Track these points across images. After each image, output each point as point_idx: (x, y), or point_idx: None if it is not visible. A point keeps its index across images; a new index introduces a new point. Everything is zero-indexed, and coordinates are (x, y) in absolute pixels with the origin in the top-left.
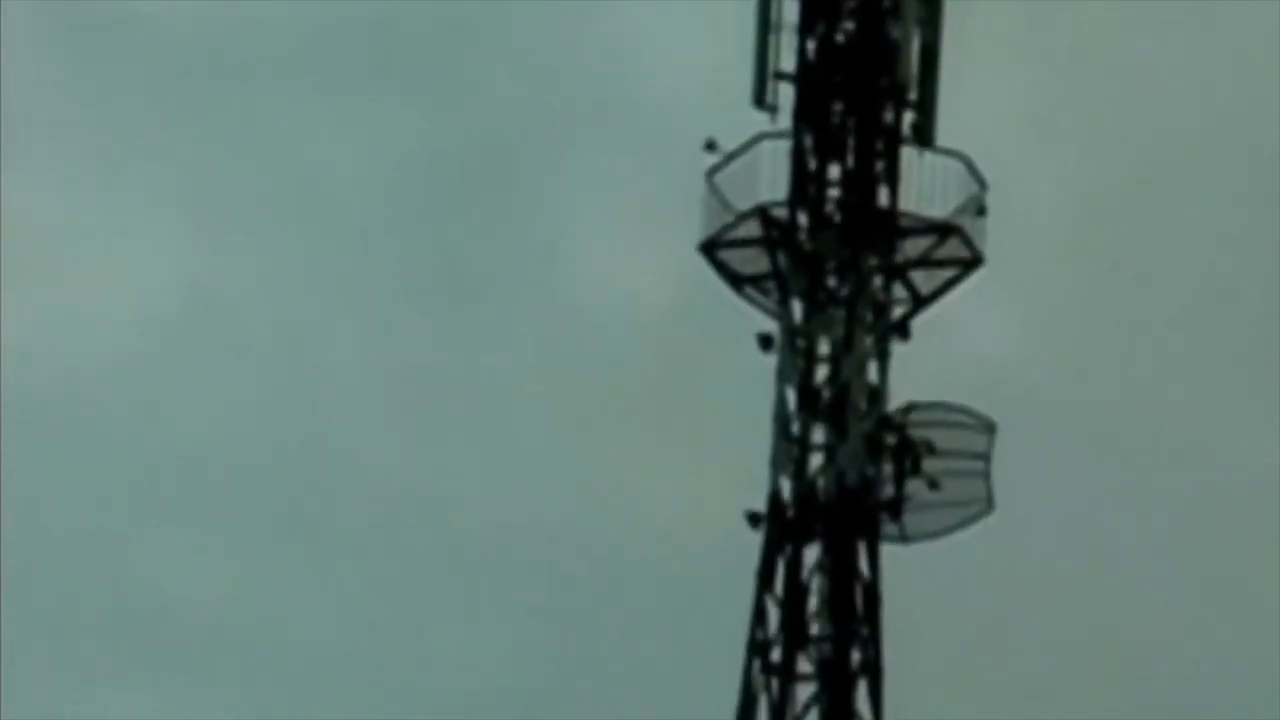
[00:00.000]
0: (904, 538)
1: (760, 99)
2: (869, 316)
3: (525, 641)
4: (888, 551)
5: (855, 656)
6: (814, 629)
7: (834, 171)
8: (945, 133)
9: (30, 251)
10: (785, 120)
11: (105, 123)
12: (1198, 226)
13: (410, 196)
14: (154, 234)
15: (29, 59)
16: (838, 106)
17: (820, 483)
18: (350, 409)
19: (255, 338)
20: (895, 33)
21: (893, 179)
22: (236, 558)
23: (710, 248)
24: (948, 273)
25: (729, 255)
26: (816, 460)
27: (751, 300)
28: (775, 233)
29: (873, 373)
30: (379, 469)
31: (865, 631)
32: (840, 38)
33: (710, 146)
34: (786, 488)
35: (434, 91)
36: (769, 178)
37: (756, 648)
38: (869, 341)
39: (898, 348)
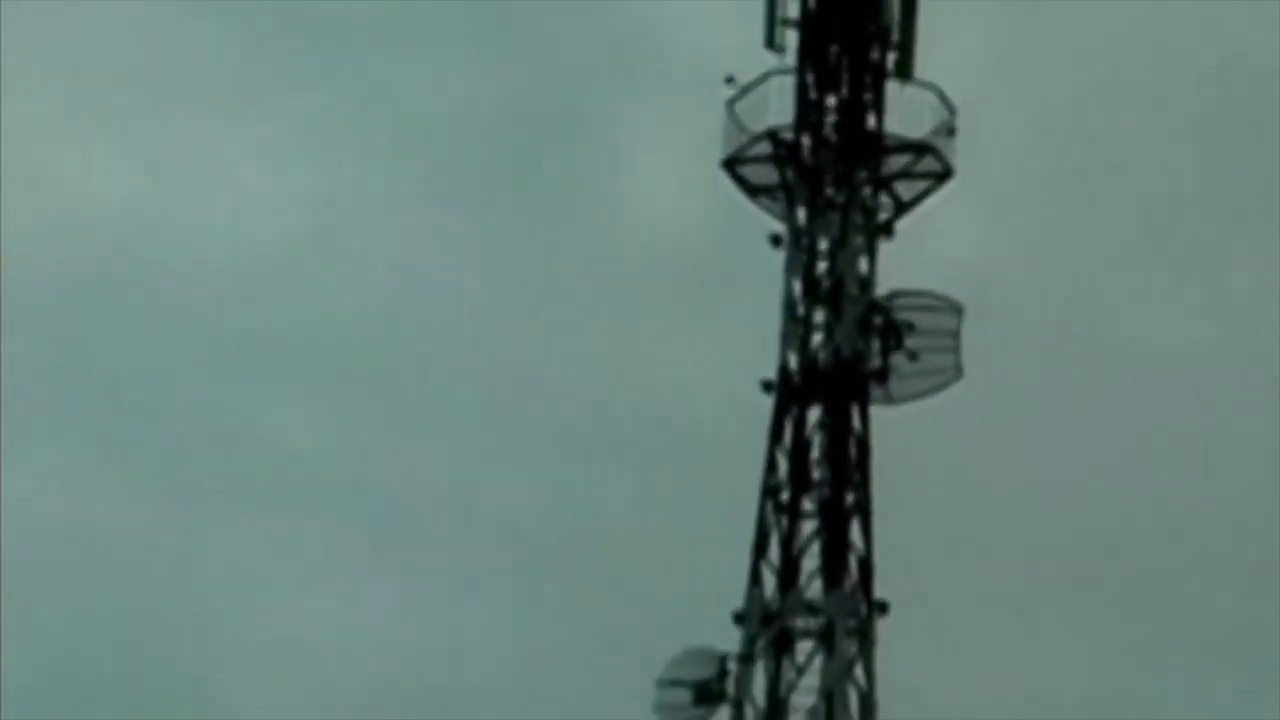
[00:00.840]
0: (889, 400)
1: (770, 42)
2: (860, 219)
3: (595, 481)
4: (876, 412)
5: (850, 498)
6: (815, 475)
7: (831, 101)
8: (922, 67)
9: (200, 167)
10: (791, 59)
11: (258, 73)
12: (1140, 142)
13: (495, 134)
14: (298, 160)
15: (190, 19)
16: (834, 48)
17: (820, 356)
18: (449, 301)
19: (372, 244)
20: None
21: (879, 107)
22: (351, 420)
23: (730, 164)
24: (924, 184)
25: (745, 170)
26: (817, 338)
27: (764, 207)
28: (783, 151)
29: (863, 265)
30: (469, 346)
31: (857, 478)
32: None
33: (729, 81)
34: (793, 360)
35: (513, 50)
36: (777, 107)
37: (769, 491)
38: (860, 240)
39: (884, 245)
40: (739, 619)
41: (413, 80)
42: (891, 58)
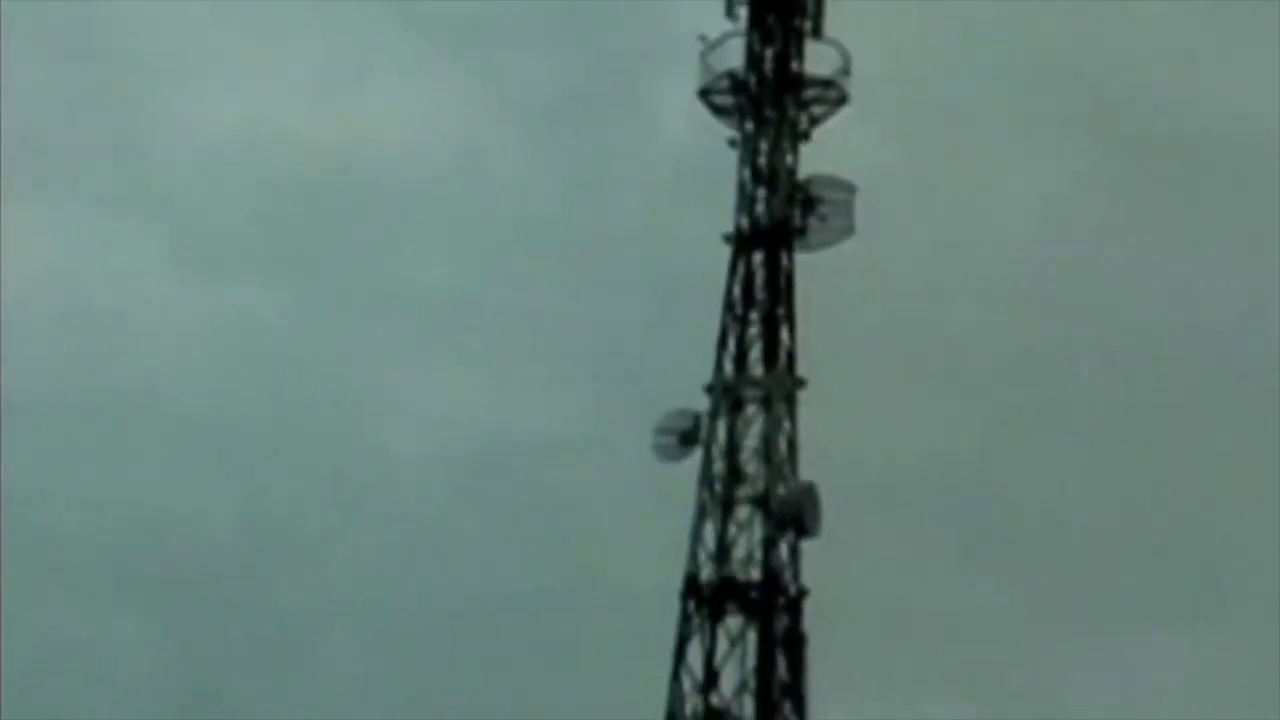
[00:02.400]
0: (807, 248)
1: (729, 12)
2: (787, 130)
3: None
4: (799, 257)
5: (780, 312)
6: (758, 297)
7: (769, 52)
8: (830, 29)
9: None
10: (743, 24)
11: None
12: (996, 83)
13: (558, 106)
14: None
15: None
16: (771, 16)
17: (761, 218)
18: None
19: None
20: None
21: (800, 56)
22: None
23: (704, 93)
24: (829, 107)
25: (713, 98)
26: (760, 207)
27: (725, 122)
28: (737, 85)
29: (789, 160)
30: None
31: (784, 306)
32: None
33: (701, 38)
34: (745, 222)
35: (564, 42)
36: (734, 55)
37: (729, 307)
38: (787, 143)
39: (803, 147)
40: (709, 390)
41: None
42: (809, 24)
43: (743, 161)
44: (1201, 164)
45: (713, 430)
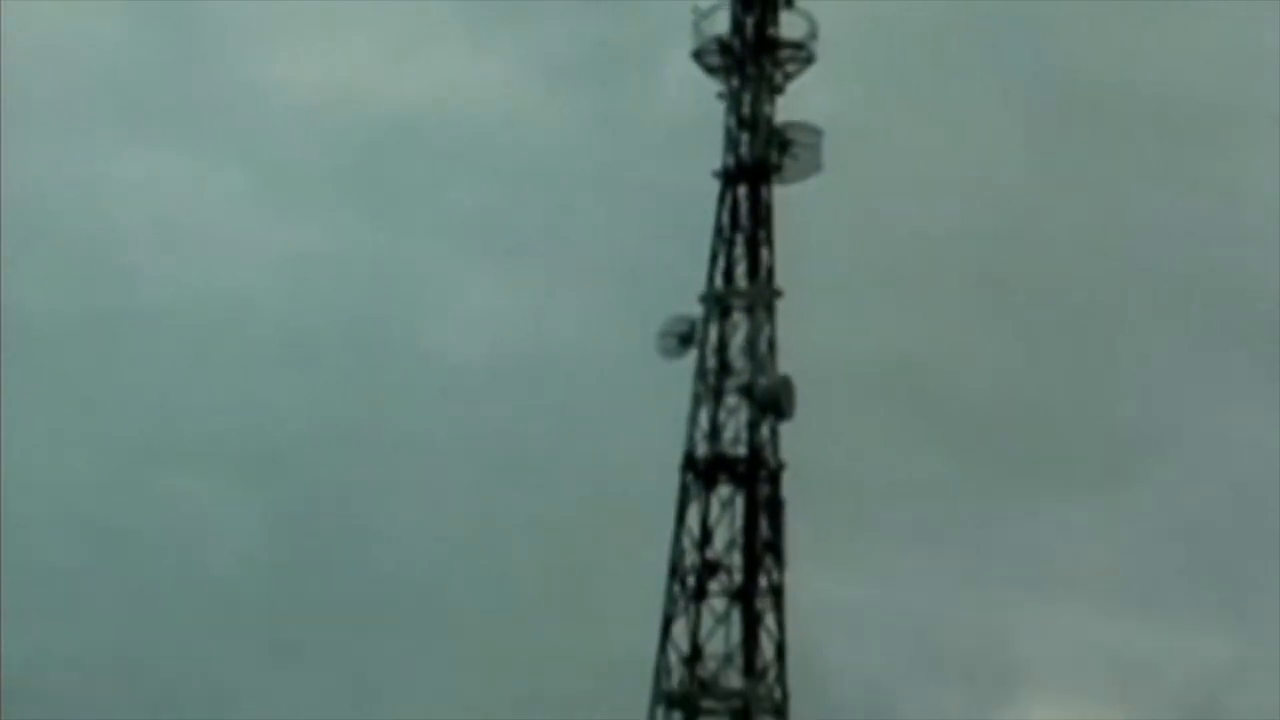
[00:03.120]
0: (782, 182)
1: None
2: (765, 85)
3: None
4: (777, 191)
5: (762, 234)
6: (743, 222)
7: (750, 20)
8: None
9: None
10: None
11: None
12: (940, 33)
13: (580, 64)
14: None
15: None
16: None
17: (744, 157)
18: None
19: None
20: None
21: (776, 23)
22: None
23: (697, 54)
24: (800, 66)
25: (705, 58)
26: (743, 148)
27: (714, 77)
28: (725, 47)
29: (768, 109)
30: None
31: (764, 233)
32: None
33: (695, 9)
34: (730, 160)
35: (587, 12)
36: (722, 23)
37: (719, 231)
38: (765, 95)
39: (780, 99)
40: (702, 299)
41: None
42: None
43: (729, 111)
44: (1113, 115)
45: (705, 332)
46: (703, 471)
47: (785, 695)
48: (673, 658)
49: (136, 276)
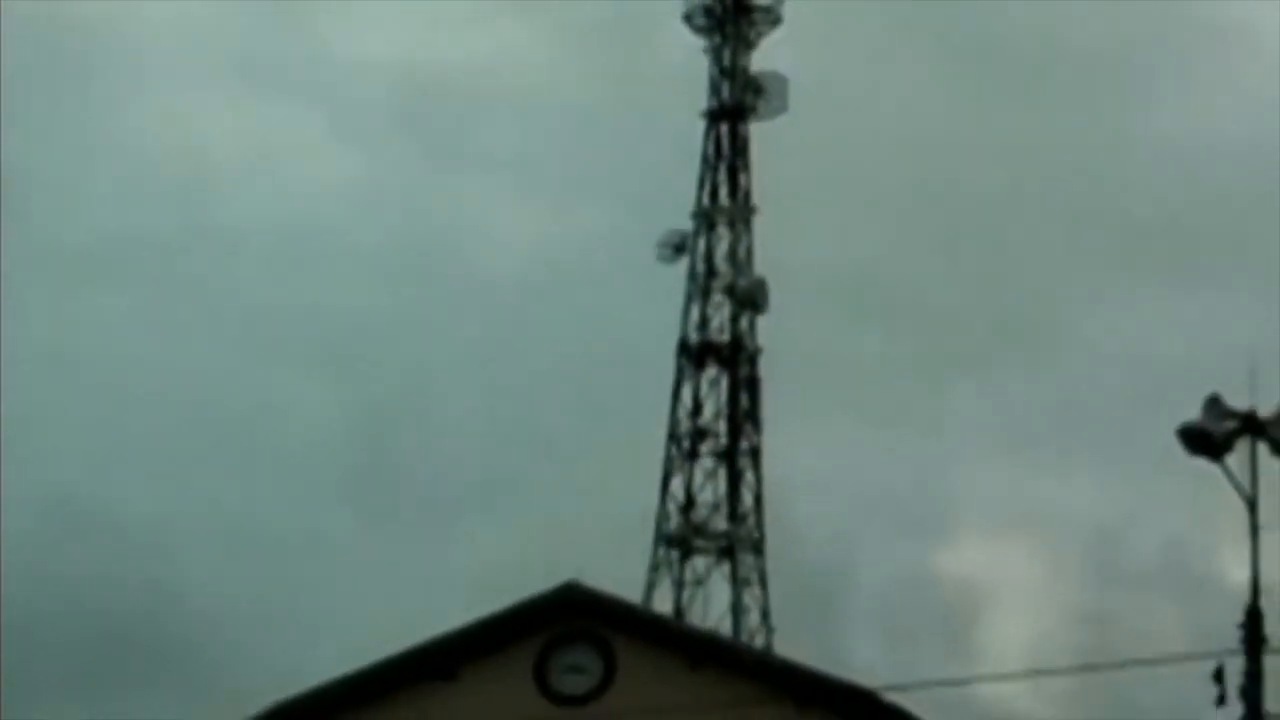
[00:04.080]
0: (758, 119)
1: None
2: (741, 41)
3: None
4: (753, 127)
5: (739, 162)
6: (726, 151)
7: None
8: None
9: None
10: None
11: None
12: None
13: (594, 26)
14: None
15: None
16: None
17: (726, 101)
18: None
19: None
20: None
21: None
22: None
23: (687, 17)
24: (770, 26)
25: (693, 20)
26: (724, 93)
27: (700, 36)
28: (708, 11)
29: (743, 61)
30: None
31: (741, 161)
32: None
33: None
34: (714, 103)
35: None
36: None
37: (705, 160)
38: (742, 50)
39: (754, 53)
40: (693, 215)
41: None
42: None
43: (712, 63)
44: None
45: (695, 243)
46: (694, 356)
47: (762, 536)
48: (671, 507)
49: (233, 200)
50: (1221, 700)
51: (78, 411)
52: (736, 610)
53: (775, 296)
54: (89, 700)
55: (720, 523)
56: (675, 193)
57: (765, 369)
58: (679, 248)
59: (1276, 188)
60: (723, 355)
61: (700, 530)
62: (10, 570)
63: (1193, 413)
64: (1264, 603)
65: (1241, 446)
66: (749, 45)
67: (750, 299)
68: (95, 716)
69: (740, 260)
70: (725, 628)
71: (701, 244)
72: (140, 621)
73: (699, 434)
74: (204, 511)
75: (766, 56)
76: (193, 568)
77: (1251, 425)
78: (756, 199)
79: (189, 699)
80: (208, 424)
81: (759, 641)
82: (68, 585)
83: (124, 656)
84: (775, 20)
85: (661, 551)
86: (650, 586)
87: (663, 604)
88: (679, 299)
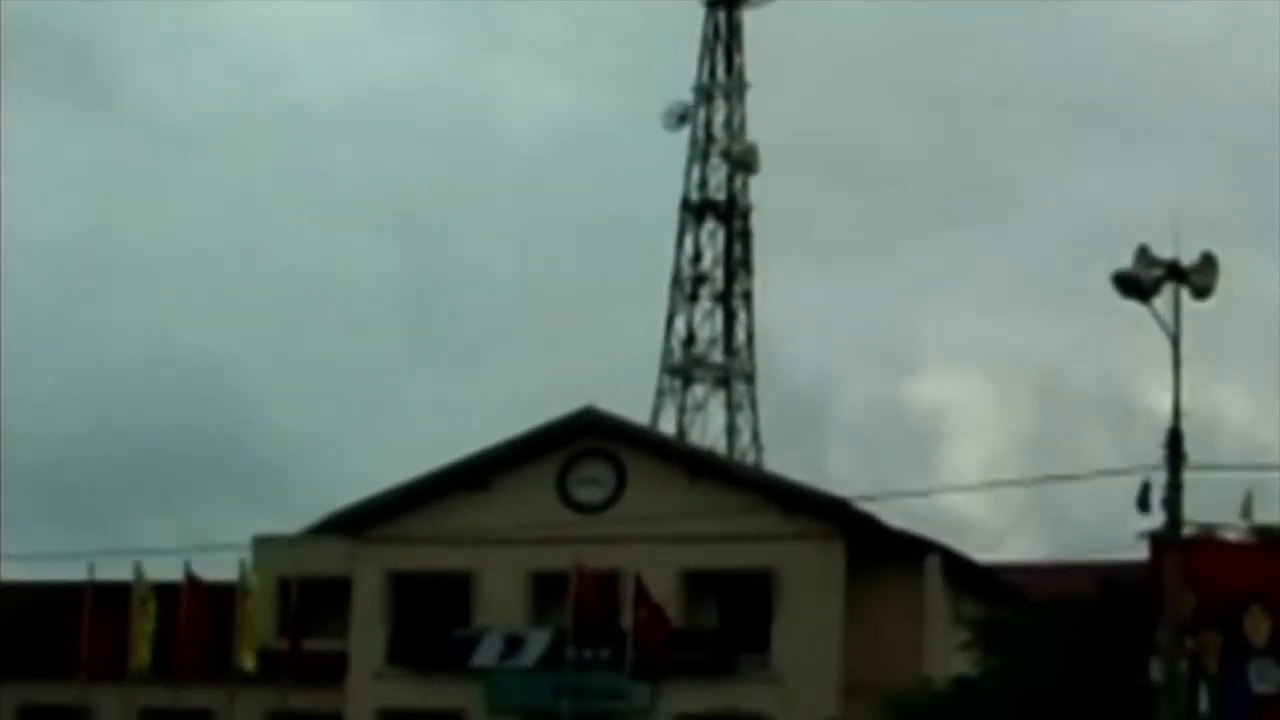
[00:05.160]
0: (750, 8)
1: None
2: None
3: None
4: (746, 15)
5: (733, 44)
6: (722, 35)
7: None
8: None
9: None
10: None
11: None
12: None
13: None
14: None
15: None
16: None
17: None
18: None
19: None
20: None
21: None
22: None
23: None
24: None
25: None
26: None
27: None
28: None
29: None
30: None
31: (736, 42)
32: None
33: None
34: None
35: None
36: None
37: (704, 43)
38: None
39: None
40: (693, 90)
41: None
42: None
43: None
44: None
45: (696, 113)
46: (695, 211)
47: (754, 368)
48: (674, 342)
49: (304, 81)
50: (1145, 507)
51: (175, 265)
52: (731, 431)
53: (766, 160)
54: (179, 509)
55: (717, 356)
56: (679, 70)
57: (757, 223)
58: (682, 118)
59: (1193, 71)
60: (720, 211)
61: (700, 362)
62: (117, 399)
63: (1125, 262)
64: (1184, 426)
65: (1167, 291)
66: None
67: (744, 162)
68: (183, 523)
69: (735, 129)
70: (721, 446)
71: (702, 115)
72: (221, 445)
73: (699, 279)
74: (277, 351)
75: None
76: (266, 399)
77: (1175, 272)
78: (750, 76)
79: (261, 510)
80: (282, 276)
81: (750, 458)
82: (164, 412)
83: (207, 475)
84: None
85: (666, 381)
86: (656, 411)
87: (667, 426)
88: (682, 162)
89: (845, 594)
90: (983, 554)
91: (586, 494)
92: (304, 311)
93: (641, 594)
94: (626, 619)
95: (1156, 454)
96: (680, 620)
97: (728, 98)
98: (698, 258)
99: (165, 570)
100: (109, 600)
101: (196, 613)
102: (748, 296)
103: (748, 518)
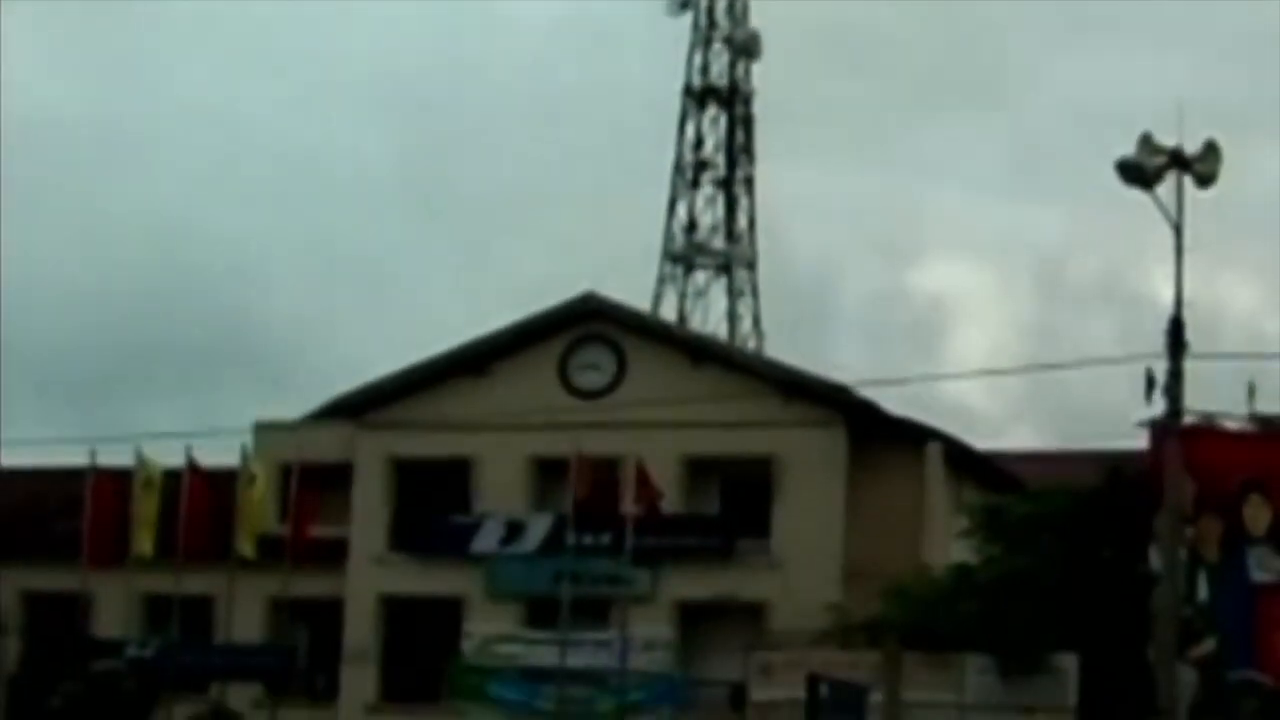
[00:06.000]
0: None
1: None
2: None
3: None
4: None
5: None
6: None
7: None
8: None
9: None
10: None
11: None
12: None
13: None
14: None
15: None
16: None
17: None
18: None
19: None
20: None
21: None
22: None
23: None
24: None
25: None
26: None
27: None
28: None
29: None
30: None
31: None
32: None
33: None
34: None
35: None
36: None
37: None
38: None
39: None
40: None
41: None
42: None
43: None
44: None
45: (699, 10)
46: (697, 97)
47: (755, 254)
48: (676, 228)
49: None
50: (1149, 395)
51: (177, 148)
52: (732, 317)
53: (768, 46)
54: (183, 395)
55: (719, 242)
56: None
57: (759, 109)
58: (685, 3)
59: None
60: (722, 96)
61: (701, 248)
62: (119, 285)
63: (1129, 150)
64: (1186, 314)
65: (1170, 179)
66: None
67: (746, 48)
68: (187, 409)
69: (738, 14)
70: (722, 332)
71: (704, 0)
72: (225, 330)
73: (701, 165)
74: (281, 233)
75: None
76: (270, 281)
77: (1178, 160)
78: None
79: (266, 394)
80: (285, 161)
81: (751, 344)
82: (166, 298)
83: (210, 360)
84: None
85: (667, 267)
86: (657, 297)
87: (668, 312)
88: (684, 48)
89: (846, 480)
90: (985, 442)
91: (587, 380)
92: (306, 196)
93: (643, 479)
94: (627, 504)
95: (1159, 342)
96: (681, 506)
97: None
98: (700, 144)
99: (168, 456)
100: (111, 486)
101: (198, 498)
102: (750, 183)
103: (748, 404)
